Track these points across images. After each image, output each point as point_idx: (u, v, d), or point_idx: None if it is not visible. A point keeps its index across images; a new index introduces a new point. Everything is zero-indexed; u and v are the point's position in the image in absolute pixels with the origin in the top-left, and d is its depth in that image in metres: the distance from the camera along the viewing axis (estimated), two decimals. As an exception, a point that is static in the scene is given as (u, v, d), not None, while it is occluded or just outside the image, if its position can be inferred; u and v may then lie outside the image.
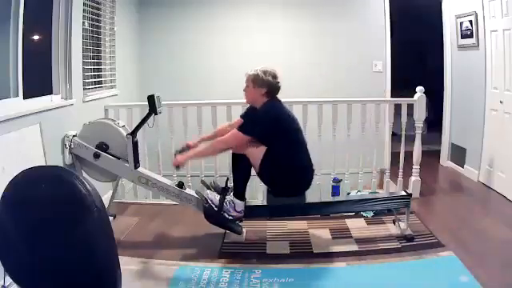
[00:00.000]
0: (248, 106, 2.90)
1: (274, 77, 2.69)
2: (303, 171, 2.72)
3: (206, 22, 4.90)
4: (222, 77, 4.91)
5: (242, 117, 2.92)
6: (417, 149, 3.65)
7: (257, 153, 2.61)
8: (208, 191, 2.79)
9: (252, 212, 2.82)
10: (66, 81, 3.13)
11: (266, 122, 2.61)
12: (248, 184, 2.75)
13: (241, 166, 2.68)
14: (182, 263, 2.61)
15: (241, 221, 2.85)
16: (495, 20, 3.80)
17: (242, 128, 2.64)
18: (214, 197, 2.74)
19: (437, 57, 5.23)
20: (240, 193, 2.71)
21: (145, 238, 3.01)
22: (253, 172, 2.72)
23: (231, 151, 2.72)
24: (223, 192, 2.73)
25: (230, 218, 2.72)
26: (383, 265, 2.54)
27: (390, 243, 2.82)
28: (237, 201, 2.70)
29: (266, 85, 2.66)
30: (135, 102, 4.02)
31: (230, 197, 2.72)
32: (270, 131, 2.60)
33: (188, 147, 2.92)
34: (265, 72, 2.69)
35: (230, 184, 2.79)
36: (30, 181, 1.05)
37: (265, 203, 2.97)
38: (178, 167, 2.78)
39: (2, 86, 2.54)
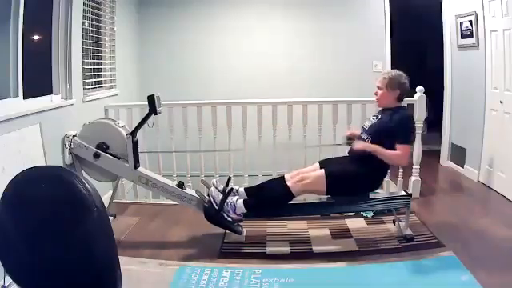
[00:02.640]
0: (380, 109, 2.90)
1: (408, 80, 2.76)
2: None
3: (206, 22, 4.90)
4: (221, 77, 4.91)
5: (390, 124, 2.71)
6: (417, 149, 3.65)
7: (320, 176, 2.67)
8: (212, 188, 2.78)
9: (252, 212, 2.81)
10: (66, 81, 3.13)
11: (413, 129, 2.79)
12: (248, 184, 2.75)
13: (282, 195, 2.69)
14: (182, 263, 2.61)
15: (241, 221, 2.85)
16: (495, 20, 3.80)
17: (406, 140, 2.65)
18: (217, 195, 2.73)
19: (437, 57, 5.23)
20: (252, 207, 2.70)
21: (145, 238, 3.01)
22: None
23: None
24: (227, 192, 2.72)
25: (229, 219, 2.71)
26: (383, 265, 2.54)
27: (390, 243, 2.82)
28: (240, 205, 2.68)
29: (400, 88, 2.73)
30: (135, 102, 4.02)
31: (232, 199, 2.71)
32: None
33: (352, 134, 2.98)
34: (400, 75, 2.76)
35: (231, 184, 2.79)
36: (30, 181, 1.05)
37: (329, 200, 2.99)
38: (356, 151, 2.73)
39: (2, 86, 2.54)
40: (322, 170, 2.70)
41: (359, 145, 2.72)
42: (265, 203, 2.74)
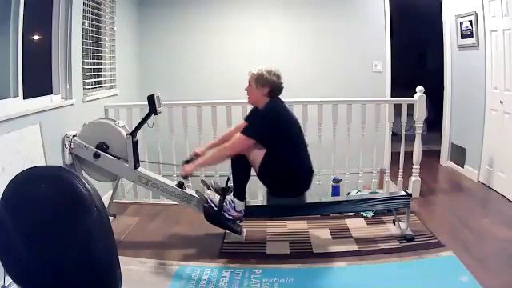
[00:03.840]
0: (251, 107, 2.87)
1: (278, 77, 2.67)
2: (302, 173, 2.71)
3: (206, 22, 4.90)
4: (221, 77, 4.91)
5: (245, 119, 2.90)
6: (417, 149, 3.65)
7: (257, 155, 2.60)
8: (208, 191, 2.79)
9: (252, 212, 2.82)
10: (65, 81, 3.13)
11: (267, 124, 2.58)
12: (248, 185, 2.74)
13: (240, 166, 2.67)
14: (182, 263, 2.61)
15: (241, 221, 2.85)
16: (495, 20, 3.80)
17: (245, 131, 2.60)
18: (214, 196, 2.73)
19: (437, 57, 5.24)
20: (240, 193, 2.70)
21: (145, 238, 3.01)
22: (253, 172, 2.72)
23: None
24: (223, 192, 2.73)
25: (230, 218, 2.71)
26: (383, 265, 2.54)
27: (390, 243, 2.82)
28: (237, 201, 2.69)
29: (269, 84, 2.63)
30: (135, 102, 4.02)
31: (230, 197, 2.71)
32: (271, 132, 2.57)
33: (196, 155, 2.86)
34: (269, 72, 2.66)
35: (230, 184, 2.79)
36: (29, 181, 1.05)
37: (265, 203, 2.98)
38: (186, 177, 2.73)
39: (1, 86, 2.54)
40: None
41: (183, 171, 2.69)
42: (239, 178, 2.70)
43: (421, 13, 5.89)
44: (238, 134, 2.62)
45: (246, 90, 2.73)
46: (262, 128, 2.58)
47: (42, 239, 1.00)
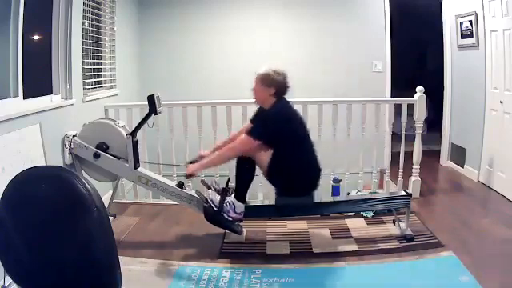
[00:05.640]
0: (257, 107, 2.84)
1: (284, 77, 2.66)
2: (309, 172, 2.70)
3: (206, 22, 4.90)
4: (221, 77, 4.91)
5: (251, 121, 2.89)
6: (417, 149, 3.65)
7: (264, 156, 2.59)
8: (209, 191, 2.78)
9: (253, 212, 2.82)
10: (65, 81, 3.13)
11: (275, 125, 2.57)
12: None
13: (244, 169, 2.67)
14: (182, 263, 2.61)
15: (241, 221, 2.85)
16: (495, 20, 3.80)
17: (251, 133, 2.59)
18: (215, 197, 2.73)
19: (437, 57, 5.23)
20: (241, 195, 2.70)
21: (145, 238, 3.01)
22: (257, 172, 2.71)
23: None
24: (223, 193, 2.72)
25: (230, 219, 2.71)
26: (383, 265, 2.54)
27: (390, 243, 2.82)
28: (237, 203, 2.68)
29: (275, 84, 2.62)
30: (135, 102, 4.01)
31: (230, 198, 2.71)
32: (279, 133, 2.56)
33: (201, 157, 2.85)
34: (275, 71, 2.64)
35: (231, 184, 2.79)
36: (29, 181, 1.05)
37: (265, 203, 2.98)
38: (190, 177, 2.70)
39: (1, 86, 2.54)
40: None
41: (187, 170, 2.67)
42: (242, 180, 2.70)
43: (421, 13, 5.88)
44: (243, 135, 2.62)
45: (252, 90, 2.70)
46: (268, 129, 2.58)
47: (42, 239, 1.00)
